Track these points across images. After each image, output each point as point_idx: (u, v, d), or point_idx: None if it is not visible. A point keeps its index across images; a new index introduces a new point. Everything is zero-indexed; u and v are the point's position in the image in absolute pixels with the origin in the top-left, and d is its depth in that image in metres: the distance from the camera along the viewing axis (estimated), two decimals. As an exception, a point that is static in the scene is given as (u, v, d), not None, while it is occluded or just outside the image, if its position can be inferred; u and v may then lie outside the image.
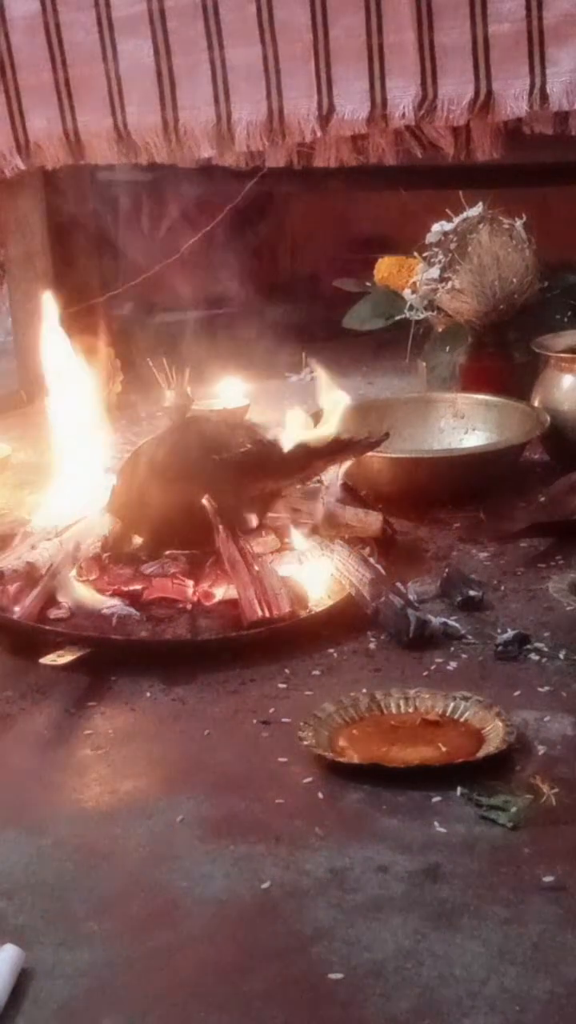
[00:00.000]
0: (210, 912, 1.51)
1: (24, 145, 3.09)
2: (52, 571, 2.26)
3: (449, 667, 2.06)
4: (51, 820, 1.71)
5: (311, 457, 2.37)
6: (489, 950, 1.42)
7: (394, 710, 1.90)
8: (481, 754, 1.76)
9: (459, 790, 1.70)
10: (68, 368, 2.62)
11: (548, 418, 2.79)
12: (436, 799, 1.70)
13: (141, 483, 2.35)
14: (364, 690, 1.95)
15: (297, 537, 2.37)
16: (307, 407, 2.67)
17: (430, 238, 3.21)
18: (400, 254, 3.42)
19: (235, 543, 2.24)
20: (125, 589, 2.26)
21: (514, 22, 2.68)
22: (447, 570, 2.35)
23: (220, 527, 2.25)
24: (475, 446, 2.87)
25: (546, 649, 2.09)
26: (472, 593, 2.25)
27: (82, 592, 2.23)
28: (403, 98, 2.80)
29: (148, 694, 2.03)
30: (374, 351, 3.68)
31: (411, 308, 3.24)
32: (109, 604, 2.21)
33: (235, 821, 1.69)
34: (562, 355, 2.85)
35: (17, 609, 2.22)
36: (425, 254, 3.21)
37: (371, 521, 2.46)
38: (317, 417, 2.58)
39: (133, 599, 2.24)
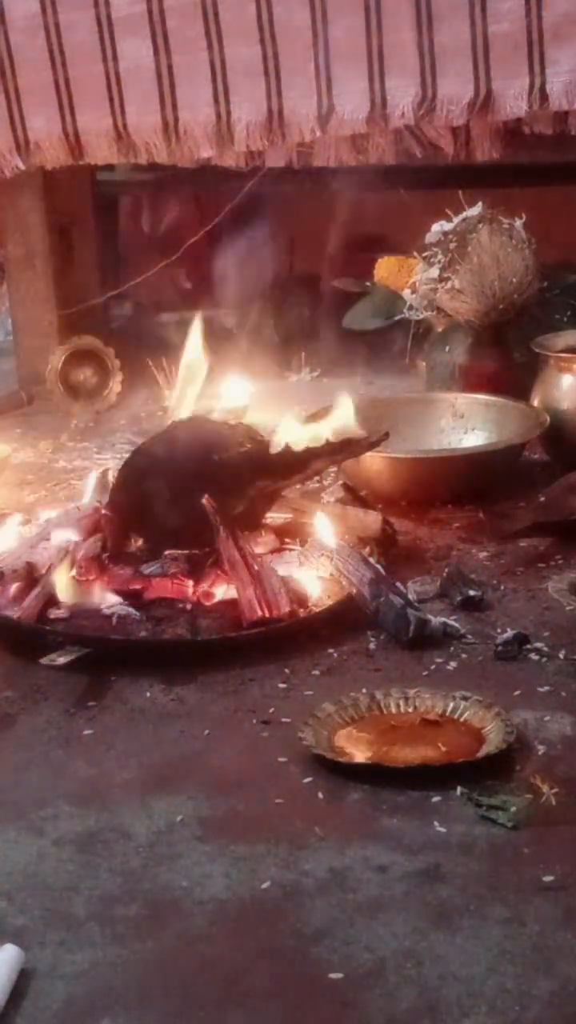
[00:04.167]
0: (210, 912, 1.52)
1: (24, 145, 3.09)
2: (52, 571, 2.26)
3: (449, 667, 2.06)
4: (51, 820, 1.71)
5: (311, 457, 2.37)
6: (489, 950, 1.42)
7: (394, 710, 1.90)
8: (481, 754, 1.76)
9: (459, 790, 1.70)
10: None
11: (548, 418, 2.78)
12: (436, 799, 1.70)
13: (141, 483, 2.35)
14: (364, 690, 1.95)
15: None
16: (307, 407, 2.67)
17: (430, 238, 3.21)
18: (400, 254, 3.42)
19: (235, 543, 2.24)
20: (125, 589, 2.26)
21: (513, 22, 2.67)
22: (447, 570, 2.35)
23: (220, 527, 2.25)
24: (475, 446, 2.86)
25: (546, 649, 2.09)
26: (472, 593, 2.25)
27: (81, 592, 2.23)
28: (403, 98, 2.79)
29: (148, 694, 2.03)
30: (374, 351, 3.68)
31: (411, 308, 3.24)
32: (109, 604, 2.21)
33: (235, 821, 1.69)
34: (562, 355, 2.85)
35: (17, 609, 2.22)
36: (425, 254, 3.20)
37: (371, 521, 2.46)
38: (319, 415, 2.58)
39: (133, 599, 2.24)
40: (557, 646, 2.10)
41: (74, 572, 2.27)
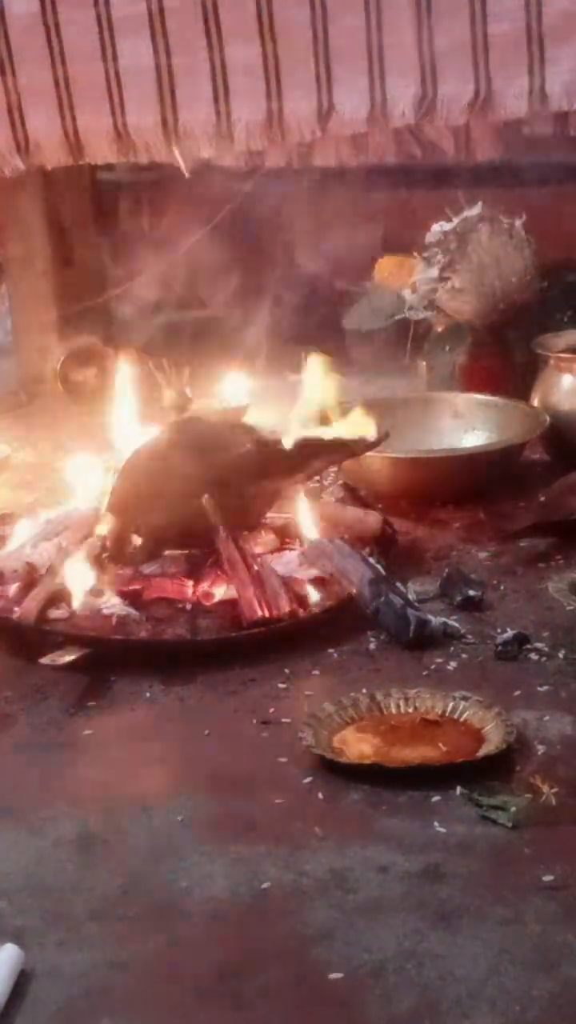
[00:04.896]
0: (210, 912, 1.51)
1: (24, 145, 3.09)
2: (52, 571, 2.26)
3: (449, 667, 2.06)
4: (51, 820, 1.71)
5: (311, 457, 2.37)
6: (489, 950, 1.42)
7: (394, 710, 1.90)
8: (481, 754, 1.76)
9: (459, 790, 1.70)
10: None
11: (548, 418, 2.78)
12: (436, 799, 1.70)
13: (141, 483, 2.35)
14: (364, 690, 1.95)
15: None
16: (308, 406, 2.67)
17: (430, 238, 3.21)
18: (400, 254, 3.42)
19: (235, 543, 2.24)
20: (125, 589, 2.26)
21: (514, 21, 2.67)
22: (447, 570, 2.35)
23: (220, 527, 2.25)
24: (475, 446, 2.87)
25: (546, 649, 2.09)
26: (472, 593, 2.25)
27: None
28: (403, 97, 2.79)
29: (148, 694, 2.03)
30: (374, 351, 3.68)
31: (411, 308, 3.24)
32: (109, 604, 2.21)
33: (235, 821, 1.69)
34: (562, 355, 2.85)
35: (17, 609, 2.22)
36: (425, 254, 3.20)
37: (371, 521, 2.46)
38: (324, 415, 2.58)
39: (133, 599, 2.24)
40: (557, 646, 2.10)
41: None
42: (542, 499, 2.62)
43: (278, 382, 3.65)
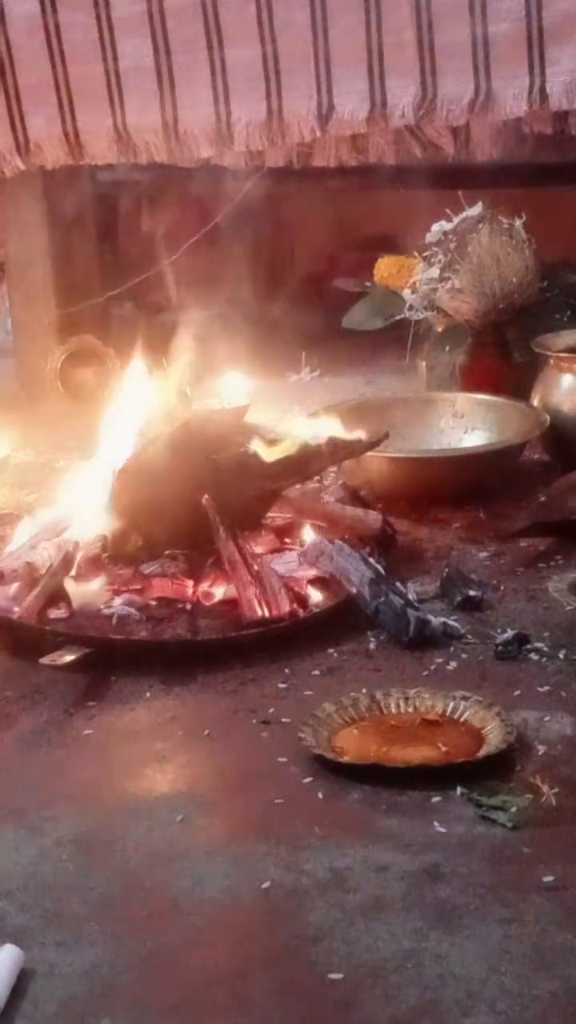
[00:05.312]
0: (210, 912, 1.51)
1: (24, 145, 3.09)
2: (52, 571, 2.26)
3: (449, 667, 2.06)
4: (51, 820, 1.71)
5: (311, 457, 2.37)
6: (489, 950, 1.42)
7: (394, 710, 1.90)
8: (481, 754, 1.76)
9: (459, 790, 1.70)
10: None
11: (548, 418, 2.78)
12: (436, 799, 1.70)
13: (141, 483, 2.35)
14: (364, 690, 1.95)
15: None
16: (307, 407, 2.68)
17: (430, 238, 3.21)
18: (400, 254, 3.42)
19: (235, 543, 2.24)
20: (125, 589, 2.26)
21: (513, 21, 2.68)
22: (447, 570, 2.35)
23: (220, 527, 2.25)
24: (475, 446, 2.87)
25: (546, 649, 2.09)
26: (472, 593, 2.25)
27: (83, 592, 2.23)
28: (403, 97, 2.80)
29: (148, 694, 2.03)
30: (374, 351, 3.68)
31: (411, 308, 3.24)
32: (109, 604, 2.21)
33: (235, 821, 1.69)
34: (562, 355, 2.85)
35: (17, 609, 2.22)
36: (425, 254, 3.21)
37: (371, 521, 2.46)
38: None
39: (133, 599, 2.23)
40: (557, 646, 2.10)
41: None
42: (542, 499, 2.62)
43: (278, 382, 3.66)
